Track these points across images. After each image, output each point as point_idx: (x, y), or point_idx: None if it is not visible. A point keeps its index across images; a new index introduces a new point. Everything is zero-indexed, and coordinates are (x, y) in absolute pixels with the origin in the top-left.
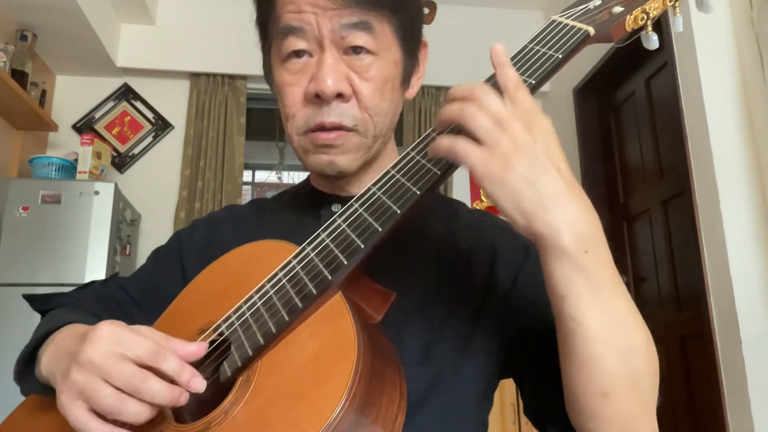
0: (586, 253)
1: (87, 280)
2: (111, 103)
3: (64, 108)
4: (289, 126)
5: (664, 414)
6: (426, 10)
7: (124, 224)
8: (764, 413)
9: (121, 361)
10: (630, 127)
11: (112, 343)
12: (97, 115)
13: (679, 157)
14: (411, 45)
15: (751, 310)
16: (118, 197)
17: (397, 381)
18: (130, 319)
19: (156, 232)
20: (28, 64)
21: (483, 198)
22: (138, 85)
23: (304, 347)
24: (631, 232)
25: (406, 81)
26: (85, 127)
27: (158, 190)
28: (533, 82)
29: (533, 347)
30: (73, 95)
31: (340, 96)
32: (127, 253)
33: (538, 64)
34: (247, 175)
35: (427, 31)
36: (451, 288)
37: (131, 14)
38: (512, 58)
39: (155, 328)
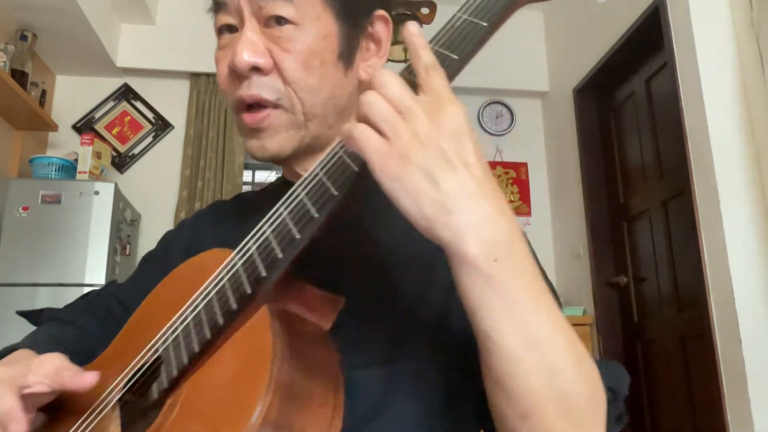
0: (496, 263)
1: (87, 280)
2: (111, 103)
3: (64, 108)
4: (227, 103)
5: (664, 414)
6: (426, 10)
7: (124, 224)
8: (764, 413)
9: None
10: (630, 127)
11: None
12: (97, 115)
13: (679, 157)
14: (353, 18)
15: (751, 310)
16: (118, 197)
17: (329, 398)
18: (121, 327)
19: (156, 232)
20: (28, 64)
21: None
22: (138, 85)
23: (225, 367)
24: (631, 232)
25: (345, 58)
26: (85, 127)
27: (158, 190)
28: (456, 57)
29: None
30: (73, 95)
31: (258, 70)
32: (127, 253)
33: (462, 35)
34: (247, 175)
35: (427, 31)
36: (415, 285)
37: (131, 14)
38: (438, 33)
39: (116, 342)
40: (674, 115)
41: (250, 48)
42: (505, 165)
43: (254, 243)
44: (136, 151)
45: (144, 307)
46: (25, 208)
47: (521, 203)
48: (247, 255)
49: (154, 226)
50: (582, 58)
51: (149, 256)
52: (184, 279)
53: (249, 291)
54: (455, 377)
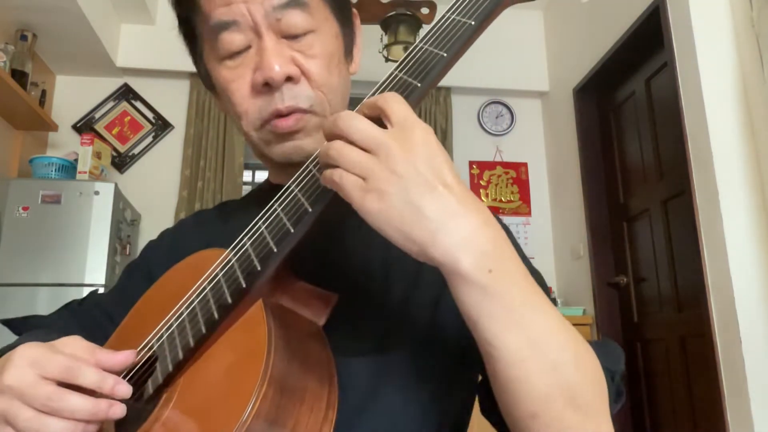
0: (491, 273)
1: (87, 280)
2: (111, 103)
3: (64, 108)
4: (244, 124)
5: (664, 414)
6: (426, 10)
7: (124, 224)
8: (764, 413)
9: (38, 383)
10: (630, 127)
11: (28, 365)
12: (97, 115)
13: (679, 157)
14: (345, 15)
15: (751, 310)
16: (118, 197)
17: (324, 392)
18: (106, 336)
19: (156, 232)
20: (28, 64)
21: (482, 199)
22: (138, 85)
23: (220, 360)
24: (631, 232)
25: (348, 54)
26: (85, 127)
27: (158, 190)
28: (418, 84)
29: None
30: (73, 95)
31: (289, 79)
32: (127, 253)
33: (424, 63)
34: (247, 175)
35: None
36: (402, 284)
37: (131, 14)
38: (402, 60)
39: (108, 345)
40: (674, 115)
41: (280, 59)
42: (505, 165)
43: (249, 239)
44: (136, 151)
45: (138, 307)
46: (25, 208)
47: (521, 203)
48: (242, 250)
49: (154, 226)
50: (582, 58)
51: (131, 266)
52: (178, 278)
53: (243, 285)
54: (445, 369)
